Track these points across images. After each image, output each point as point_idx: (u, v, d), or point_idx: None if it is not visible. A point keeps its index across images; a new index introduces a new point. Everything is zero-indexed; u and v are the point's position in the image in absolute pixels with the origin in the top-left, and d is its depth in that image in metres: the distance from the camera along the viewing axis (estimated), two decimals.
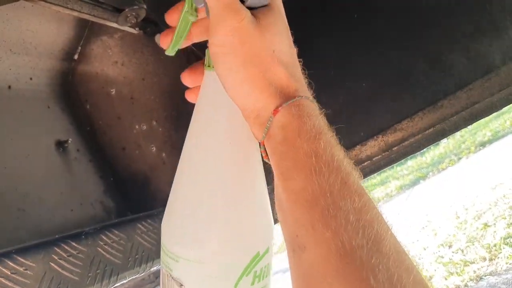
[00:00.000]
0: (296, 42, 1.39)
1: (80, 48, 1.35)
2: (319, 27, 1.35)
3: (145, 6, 1.12)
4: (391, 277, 0.38)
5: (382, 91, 1.30)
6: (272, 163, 0.53)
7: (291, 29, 0.63)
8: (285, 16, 0.60)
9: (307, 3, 1.34)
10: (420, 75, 1.25)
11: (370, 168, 1.31)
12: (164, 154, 1.32)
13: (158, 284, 1.45)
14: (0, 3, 0.88)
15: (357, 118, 1.32)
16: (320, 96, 1.36)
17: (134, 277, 1.05)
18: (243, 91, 0.53)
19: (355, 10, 1.31)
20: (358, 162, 1.30)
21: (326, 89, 1.34)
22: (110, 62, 1.33)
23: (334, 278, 0.39)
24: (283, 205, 0.48)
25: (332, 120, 1.35)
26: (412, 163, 10.31)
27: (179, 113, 1.29)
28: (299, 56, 0.64)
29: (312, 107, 0.55)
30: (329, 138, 0.51)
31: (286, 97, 0.53)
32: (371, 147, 1.28)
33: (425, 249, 4.48)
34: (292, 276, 0.45)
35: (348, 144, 1.31)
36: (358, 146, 1.30)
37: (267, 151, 0.54)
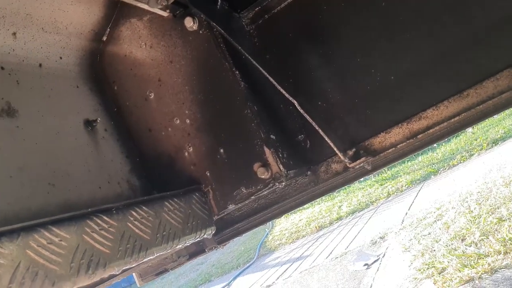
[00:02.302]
0: (323, 29, 1.41)
1: (109, 29, 1.38)
2: (345, 14, 1.36)
3: None
4: None
5: (407, 79, 1.31)
6: None
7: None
8: None
9: None
10: (446, 64, 1.26)
11: (393, 155, 1.32)
12: (189, 136, 1.34)
13: (180, 263, 1.48)
14: None
15: (382, 106, 1.33)
16: (346, 83, 1.38)
17: (161, 253, 1.07)
18: None
19: None
20: (382, 149, 1.31)
21: (352, 76, 1.36)
22: (139, 44, 1.35)
23: None
24: None
25: (357, 107, 1.37)
26: (422, 159, 10.26)
27: (205, 96, 1.31)
28: None
29: None
30: None
31: None
32: (396, 134, 1.29)
33: (437, 242, 4.48)
34: None
35: (373, 131, 1.32)
36: (382, 133, 1.31)
37: None
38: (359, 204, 9.26)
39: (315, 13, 1.41)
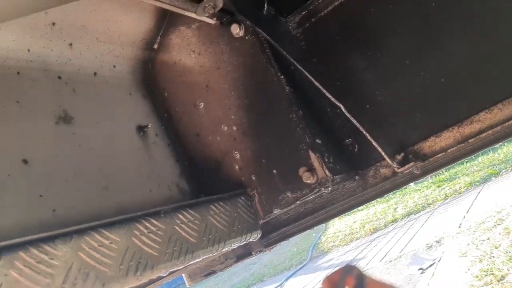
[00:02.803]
0: (370, 31, 1.39)
1: (159, 37, 1.42)
2: (393, 16, 1.34)
3: None
4: None
5: (458, 81, 1.27)
6: None
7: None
8: None
9: None
10: (499, 65, 1.21)
11: (444, 160, 1.29)
12: (235, 141, 1.36)
13: (227, 265, 1.51)
14: None
15: (432, 109, 1.30)
16: (394, 86, 1.36)
17: (207, 256, 1.10)
18: None
19: None
20: (431, 154, 1.27)
21: (401, 79, 1.33)
22: (187, 51, 1.38)
23: None
24: None
25: (406, 110, 1.34)
26: (483, 159, 9.84)
27: (251, 102, 1.32)
28: None
29: None
30: None
31: None
32: (446, 138, 1.26)
33: (496, 248, 4.29)
34: None
35: (422, 135, 1.29)
36: (432, 137, 1.28)
37: None
38: (415, 206, 9.01)
39: (362, 15, 1.40)
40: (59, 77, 1.18)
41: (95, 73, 1.30)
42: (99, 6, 1.23)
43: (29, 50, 1.11)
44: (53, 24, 1.15)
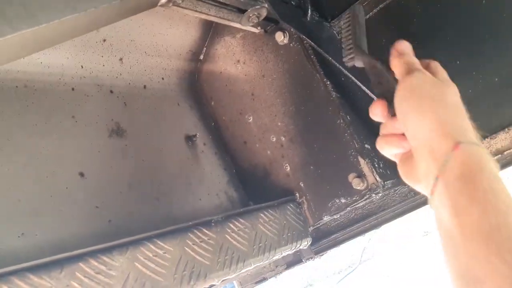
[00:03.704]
0: (418, 33, 1.35)
1: (205, 48, 1.45)
2: (441, 16, 1.30)
3: (266, 6, 1.17)
4: None
5: None
6: (443, 198, 0.55)
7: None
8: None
9: None
10: None
11: (501, 162, 1.23)
12: (282, 148, 1.36)
13: (278, 272, 1.51)
14: (138, 10, 0.97)
15: (486, 109, 1.25)
16: None
17: (258, 264, 1.11)
18: (418, 128, 0.64)
19: None
20: None
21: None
22: (233, 61, 1.40)
23: None
24: (456, 239, 0.50)
25: None
26: None
27: (297, 108, 1.32)
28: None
29: (486, 151, 0.59)
30: (502, 179, 0.54)
31: (459, 138, 0.59)
32: (502, 140, 1.21)
33: None
34: None
35: None
36: (487, 139, 1.23)
37: (438, 186, 0.57)
38: None
39: (409, 16, 1.36)
40: (111, 91, 1.22)
41: (144, 86, 1.34)
42: (146, 21, 1.26)
43: (82, 67, 1.16)
44: (104, 40, 1.20)
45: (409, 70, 0.74)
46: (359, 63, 0.93)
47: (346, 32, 1.02)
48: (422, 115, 0.64)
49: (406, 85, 0.71)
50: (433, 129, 0.61)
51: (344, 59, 0.97)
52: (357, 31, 1.00)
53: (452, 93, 0.71)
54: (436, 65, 0.83)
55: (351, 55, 0.95)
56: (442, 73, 0.80)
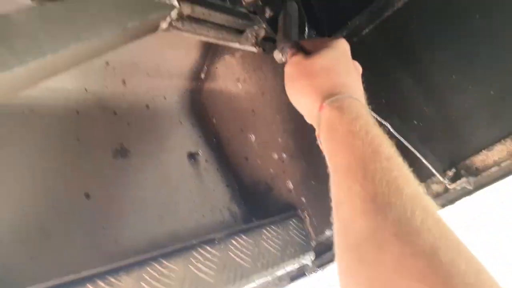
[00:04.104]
0: (414, 47, 1.37)
1: (206, 67, 1.48)
2: (436, 31, 1.32)
3: (264, 26, 1.20)
4: (405, 211, 0.50)
5: (509, 92, 1.23)
6: (323, 148, 0.70)
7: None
8: (343, 52, 0.91)
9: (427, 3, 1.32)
10: None
11: (498, 173, 1.25)
12: (283, 163, 1.39)
13: (282, 286, 1.52)
14: (140, 36, 1.00)
15: (482, 122, 1.27)
16: (441, 101, 1.34)
17: (261, 280, 1.12)
18: (298, 98, 0.81)
19: (477, 10, 1.26)
20: (484, 168, 1.24)
21: (448, 94, 1.31)
22: (233, 79, 1.43)
23: (361, 216, 0.53)
24: (332, 177, 0.64)
25: (455, 124, 1.31)
26: None
27: (296, 125, 1.35)
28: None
29: (351, 101, 0.70)
30: (366, 119, 0.66)
31: (325, 98, 0.72)
32: (499, 151, 1.22)
33: None
34: (335, 224, 0.60)
35: (473, 149, 1.26)
36: (484, 151, 1.24)
37: (320, 141, 0.72)
38: None
39: (406, 31, 1.39)
40: (115, 113, 1.25)
41: (147, 106, 1.37)
42: (147, 44, 1.29)
43: (86, 90, 1.19)
44: (107, 63, 1.23)
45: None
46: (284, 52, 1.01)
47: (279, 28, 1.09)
48: (300, 94, 0.80)
49: (285, 76, 0.89)
50: (308, 102, 0.75)
51: (274, 53, 1.04)
52: (286, 24, 1.08)
53: (320, 60, 0.79)
54: (314, 40, 1.02)
55: (280, 45, 1.03)
56: (316, 44, 0.90)
